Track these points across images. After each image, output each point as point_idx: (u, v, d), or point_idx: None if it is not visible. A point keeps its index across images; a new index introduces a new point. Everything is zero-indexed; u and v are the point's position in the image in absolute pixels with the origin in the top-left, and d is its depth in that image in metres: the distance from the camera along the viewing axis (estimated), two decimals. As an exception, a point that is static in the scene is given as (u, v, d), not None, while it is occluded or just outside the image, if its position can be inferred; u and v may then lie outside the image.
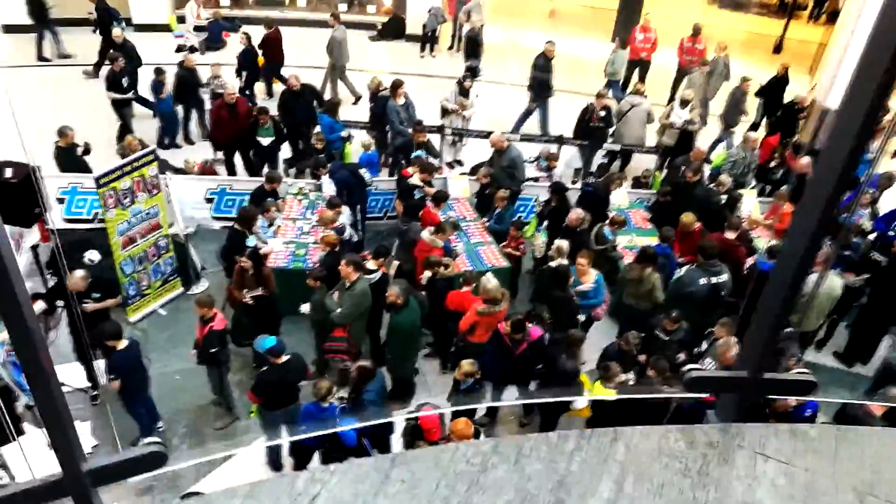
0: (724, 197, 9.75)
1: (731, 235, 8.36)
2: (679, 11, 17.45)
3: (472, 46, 14.28)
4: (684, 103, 11.36)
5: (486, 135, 11.55)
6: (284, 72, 12.37)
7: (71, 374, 7.52)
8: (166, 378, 7.86)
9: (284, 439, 7.04)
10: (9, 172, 6.91)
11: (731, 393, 1.73)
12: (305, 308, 7.68)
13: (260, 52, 12.83)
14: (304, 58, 13.67)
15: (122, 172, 7.95)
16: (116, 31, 12.55)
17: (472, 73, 13.66)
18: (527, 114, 12.91)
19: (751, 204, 10.18)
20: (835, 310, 8.34)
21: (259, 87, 13.16)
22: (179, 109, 11.84)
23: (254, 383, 6.64)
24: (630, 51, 14.27)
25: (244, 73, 12.58)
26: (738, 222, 8.53)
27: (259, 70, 12.94)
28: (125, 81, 11.24)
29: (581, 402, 7.16)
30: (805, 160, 10.37)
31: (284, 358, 6.44)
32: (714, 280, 7.72)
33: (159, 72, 11.29)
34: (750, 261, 8.52)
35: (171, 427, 7.47)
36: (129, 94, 11.43)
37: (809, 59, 17.45)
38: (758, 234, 9.40)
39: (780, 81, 12.95)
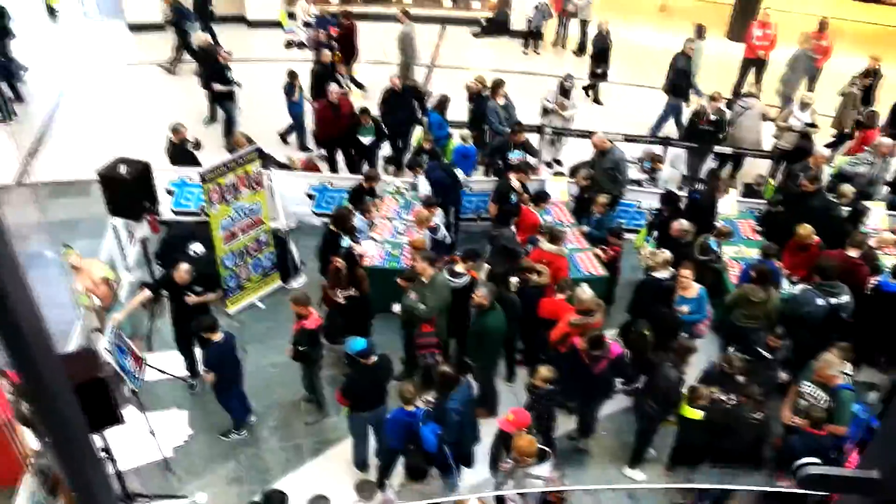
0: (845, 209, 9.00)
1: (853, 253, 7.67)
2: (802, 5, 16.35)
3: (601, 51, 13.63)
4: (804, 106, 10.59)
5: (587, 135, 11.24)
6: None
7: (171, 363, 7.87)
8: (262, 371, 8.10)
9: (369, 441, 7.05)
10: (123, 169, 7.27)
11: (856, 495, 1.48)
12: (397, 308, 7.70)
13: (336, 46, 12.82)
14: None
15: (227, 168, 8.21)
16: (200, 35, 12.74)
17: (600, 77, 13.33)
18: (666, 115, 12.43)
19: (879, 217, 9.33)
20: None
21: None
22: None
23: (343, 385, 6.70)
24: (746, 48, 13.48)
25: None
26: (863, 239, 7.81)
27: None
28: (229, 75, 11.53)
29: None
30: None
31: (373, 359, 6.45)
32: (833, 301, 7.14)
33: (293, 75, 11.43)
34: (873, 280, 7.81)
35: (263, 419, 7.67)
36: (233, 87, 11.67)
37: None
38: (885, 251, 8.60)
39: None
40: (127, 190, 7.31)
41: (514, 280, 7.48)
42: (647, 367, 7.06)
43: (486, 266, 8.17)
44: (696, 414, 6.52)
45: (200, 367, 7.39)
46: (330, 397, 7.61)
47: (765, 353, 6.98)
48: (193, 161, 9.95)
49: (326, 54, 11.93)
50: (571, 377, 6.68)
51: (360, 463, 7.06)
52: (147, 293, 7.52)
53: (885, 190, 10.09)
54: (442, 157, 10.36)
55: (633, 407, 7.21)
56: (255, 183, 8.63)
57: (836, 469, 1.46)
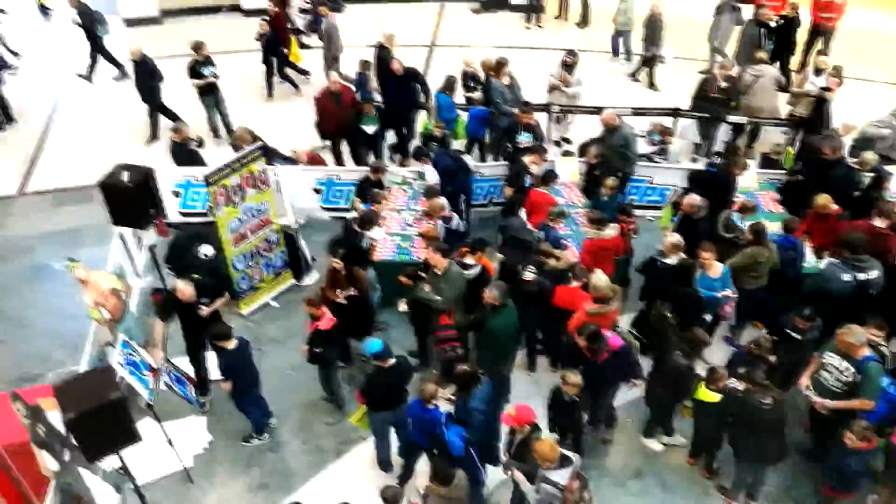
0: (867, 176, 8.72)
1: (880, 223, 7.41)
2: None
3: (653, 30, 12.86)
4: (819, 70, 10.26)
5: (595, 111, 10.96)
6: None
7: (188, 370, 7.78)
8: (280, 372, 7.99)
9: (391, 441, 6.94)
10: (125, 176, 7.10)
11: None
12: (403, 306, 7.56)
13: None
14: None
15: (231, 170, 8.02)
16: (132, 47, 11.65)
17: (653, 61, 13.05)
18: None
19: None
20: None
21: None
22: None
23: (362, 385, 6.60)
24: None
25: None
26: (890, 207, 7.54)
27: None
28: (207, 70, 11.21)
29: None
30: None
31: (391, 362, 6.32)
32: (861, 277, 6.92)
33: (365, 64, 11.14)
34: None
35: (283, 422, 7.57)
36: (211, 79, 11.30)
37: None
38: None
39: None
40: (130, 198, 7.14)
41: (528, 274, 7.26)
42: (660, 351, 6.89)
43: (500, 256, 8.01)
44: (713, 397, 6.39)
45: (214, 375, 7.26)
46: (349, 396, 7.52)
47: (794, 333, 6.78)
48: (198, 160, 9.78)
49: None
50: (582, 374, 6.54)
51: (383, 462, 6.98)
52: (161, 326, 7.41)
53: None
54: (450, 144, 10.14)
55: (645, 393, 7.07)
56: (261, 182, 8.44)
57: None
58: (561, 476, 5.51)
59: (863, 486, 6.17)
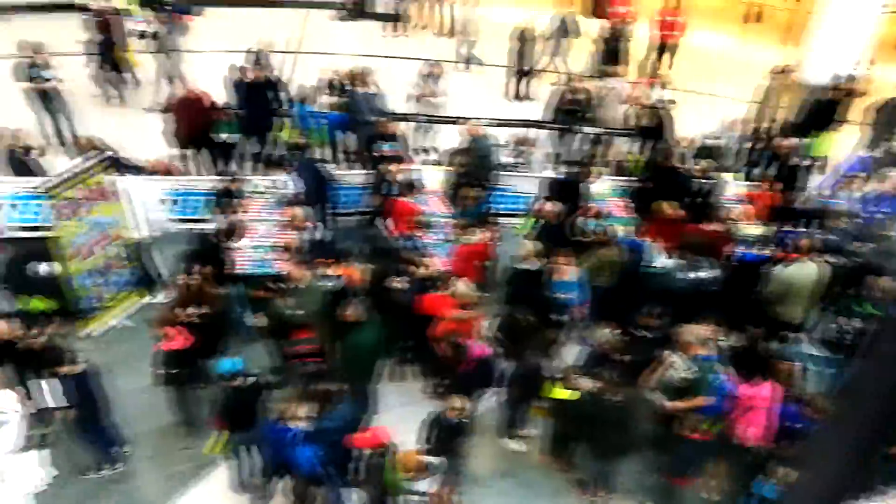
0: (706, 182, 9.45)
1: (714, 227, 8.05)
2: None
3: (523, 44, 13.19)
4: (662, 85, 11.04)
5: (459, 121, 11.17)
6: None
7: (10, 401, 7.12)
8: (132, 395, 7.47)
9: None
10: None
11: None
12: (257, 321, 7.33)
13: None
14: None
15: (74, 181, 7.48)
16: None
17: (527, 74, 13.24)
18: None
19: (735, 188, 9.87)
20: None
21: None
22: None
23: (216, 408, 6.31)
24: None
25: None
26: (723, 214, 8.20)
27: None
28: (46, 73, 10.50)
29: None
30: (787, 142, 10.08)
31: (244, 380, 6.11)
32: (701, 275, 7.46)
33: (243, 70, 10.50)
34: (734, 251, 8.23)
35: (136, 449, 7.13)
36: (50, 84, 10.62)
37: (790, 29, 17.07)
38: (743, 222, 9.08)
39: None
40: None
41: (397, 283, 7.26)
42: (518, 353, 7.09)
43: (367, 267, 7.96)
44: (567, 395, 6.62)
45: (53, 402, 6.67)
46: (206, 418, 7.17)
47: (640, 332, 7.17)
48: (32, 170, 9.02)
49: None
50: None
51: (240, 484, 6.71)
52: None
53: (740, 163, 10.69)
54: (312, 153, 9.97)
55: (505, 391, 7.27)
56: (109, 194, 7.92)
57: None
58: (425, 485, 5.54)
59: (698, 473, 6.59)
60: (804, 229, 8.58)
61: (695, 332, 6.48)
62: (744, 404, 6.55)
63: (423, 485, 5.58)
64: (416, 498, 5.57)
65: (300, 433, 5.91)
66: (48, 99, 10.63)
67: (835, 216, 8.71)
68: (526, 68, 13.41)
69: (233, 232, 7.82)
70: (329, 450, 5.94)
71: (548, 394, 6.76)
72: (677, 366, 6.64)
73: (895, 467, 6.30)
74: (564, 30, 13.42)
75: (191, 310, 7.04)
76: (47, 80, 10.43)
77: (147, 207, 9.25)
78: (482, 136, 9.61)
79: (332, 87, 10.98)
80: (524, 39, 13.03)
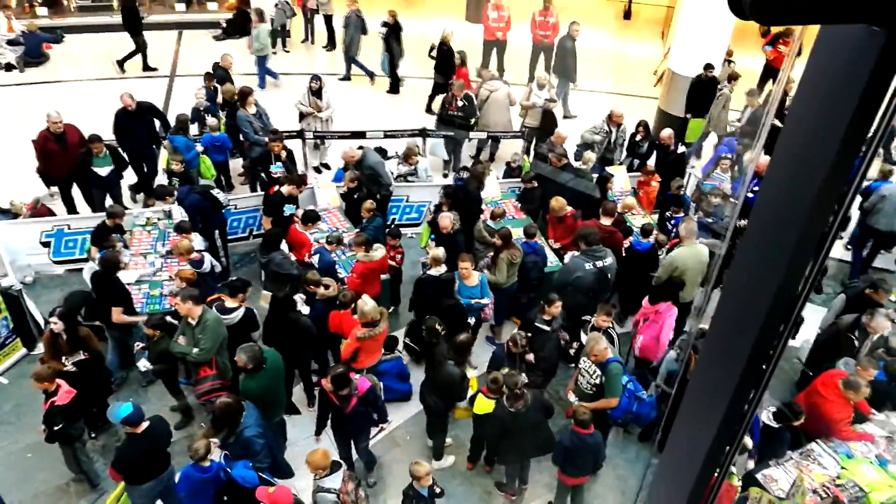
0: (594, 176, 9.74)
1: (606, 221, 8.29)
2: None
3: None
4: (541, 85, 11.29)
5: (350, 135, 11.06)
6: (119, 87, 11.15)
7: None
8: (17, 457, 6.97)
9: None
10: None
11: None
12: (143, 364, 6.96)
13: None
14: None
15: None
16: None
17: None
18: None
19: (622, 180, 10.23)
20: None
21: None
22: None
23: (113, 459, 5.88)
24: (485, 31, 14.09)
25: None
26: (613, 207, 8.47)
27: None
28: None
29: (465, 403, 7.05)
30: (666, 132, 10.56)
31: (144, 425, 5.73)
32: (599, 264, 7.68)
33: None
34: (626, 242, 8.53)
35: (29, 516, 6.57)
36: None
37: (661, 24, 17.99)
38: (631, 213, 9.44)
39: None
40: None
41: (300, 305, 7.08)
42: (431, 361, 7.03)
43: (266, 294, 7.71)
44: (488, 407, 6.62)
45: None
46: (103, 471, 6.71)
47: (543, 326, 7.27)
48: None
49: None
50: (327, 416, 6.52)
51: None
52: None
53: (623, 155, 11.09)
54: (196, 180, 9.57)
55: (420, 401, 7.19)
56: (-33, 242, 7.29)
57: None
58: (334, 481, 5.60)
59: (588, 469, 6.63)
60: (686, 214, 8.98)
61: (600, 341, 6.60)
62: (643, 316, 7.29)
63: (331, 482, 5.58)
64: (325, 494, 5.54)
65: (225, 459, 5.66)
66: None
67: (712, 198, 9.18)
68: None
69: (115, 268, 7.30)
70: (258, 457, 5.80)
71: (471, 406, 6.71)
72: (584, 372, 6.79)
73: (792, 436, 6.71)
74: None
75: (66, 360, 6.56)
76: None
77: (18, 252, 8.59)
78: (363, 158, 9.48)
79: (207, 110, 10.65)
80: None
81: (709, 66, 11.38)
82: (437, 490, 6.04)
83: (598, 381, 6.64)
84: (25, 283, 8.46)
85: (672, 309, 7.41)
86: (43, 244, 8.94)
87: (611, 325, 7.26)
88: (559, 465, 6.43)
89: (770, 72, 14.17)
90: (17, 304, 7.95)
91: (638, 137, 10.94)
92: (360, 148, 9.67)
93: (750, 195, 9.05)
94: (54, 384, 6.06)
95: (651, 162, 10.47)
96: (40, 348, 8.04)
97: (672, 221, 9.05)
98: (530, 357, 7.09)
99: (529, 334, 7.20)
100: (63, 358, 6.59)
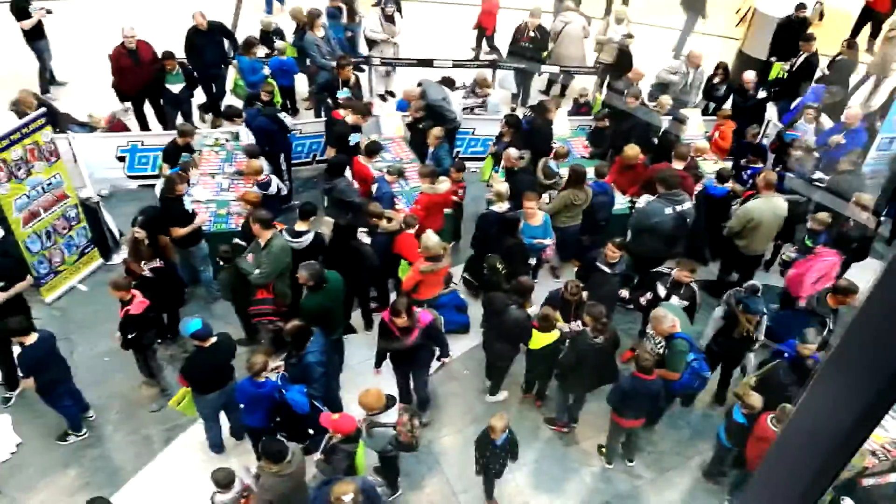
0: (666, 119, 9.39)
1: (678, 165, 8.01)
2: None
3: None
4: (619, 19, 10.82)
5: (417, 63, 10.90)
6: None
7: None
8: (94, 360, 7.39)
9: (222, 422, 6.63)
10: None
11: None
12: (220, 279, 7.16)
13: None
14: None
15: (10, 141, 7.07)
16: None
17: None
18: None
19: (696, 124, 9.85)
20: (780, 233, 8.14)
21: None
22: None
23: (181, 368, 6.18)
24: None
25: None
26: (686, 151, 8.15)
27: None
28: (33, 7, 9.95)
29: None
30: (749, 74, 10.03)
31: (212, 340, 5.97)
32: (679, 209, 7.47)
33: None
34: (698, 187, 8.26)
35: (102, 413, 6.99)
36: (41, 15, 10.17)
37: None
38: (704, 157, 9.10)
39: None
40: None
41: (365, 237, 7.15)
42: (492, 308, 6.99)
43: (328, 220, 7.81)
44: (549, 339, 6.66)
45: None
46: (172, 379, 7.06)
47: (604, 267, 7.19)
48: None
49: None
50: (387, 349, 6.51)
51: (215, 446, 6.65)
52: None
53: (698, 98, 10.63)
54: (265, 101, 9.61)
55: (483, 345, 7.22)
56: (50, 154, 7.54)
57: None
58: (389, 416, 5.71)
59: (643, 413, 6.59)
60: (765, 164, 8.63)
61: (666, 317, 6.39)
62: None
63: (386, 417, 5.71)
64: (381, 429, 5.69)
65: (282, 380, 5.85)
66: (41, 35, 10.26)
67: (794, 150, 8.77)
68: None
69: (182, 186, 7.47)
70: (314, 386, 5.93)
71: (532, 344, 6.73)
72: (653, 338, 6.67)
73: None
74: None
75: (143, 265, 6.84)
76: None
77: (96, 165, 8.86)
78: (424, 95, 9.31)
79: (276, 32, 10.58)
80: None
81: (801, 6, 10.69)
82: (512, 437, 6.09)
83: (660, 352, 6.53)
84: (102, 195, 8.74)
85: (830, 256, 7.37)
86: (118, 159, 9.21)
87: (692, 280, 7.08)
88: (614, 407, 6.46)
89: (868, 15, 13.13)
90: (94, 215, 8.28)
91: (716, 80, 10.44)
92: (420, 84, 9.50)
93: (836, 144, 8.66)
94: (130, 294, 6.34)
95: (727, 107, 10.01)
96: (116, 259, 8.45)
97: (748, 172, 8.69)
98: (584, 300, 7.02)
99: (585, 277, 7.16)
100: (143, 263, 6.87)
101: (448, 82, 9.87)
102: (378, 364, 6.74)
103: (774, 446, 1.17)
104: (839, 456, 1.03)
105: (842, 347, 0.96)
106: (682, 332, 6.48)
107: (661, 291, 7.09)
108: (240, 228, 7.56)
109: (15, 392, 6.92)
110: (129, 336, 6.40)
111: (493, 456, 6.02)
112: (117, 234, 8.55)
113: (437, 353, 6.78)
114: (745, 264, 8.06)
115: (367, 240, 7.38)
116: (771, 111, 10.68)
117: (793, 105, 10.44)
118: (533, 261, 7.95)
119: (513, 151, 8.19)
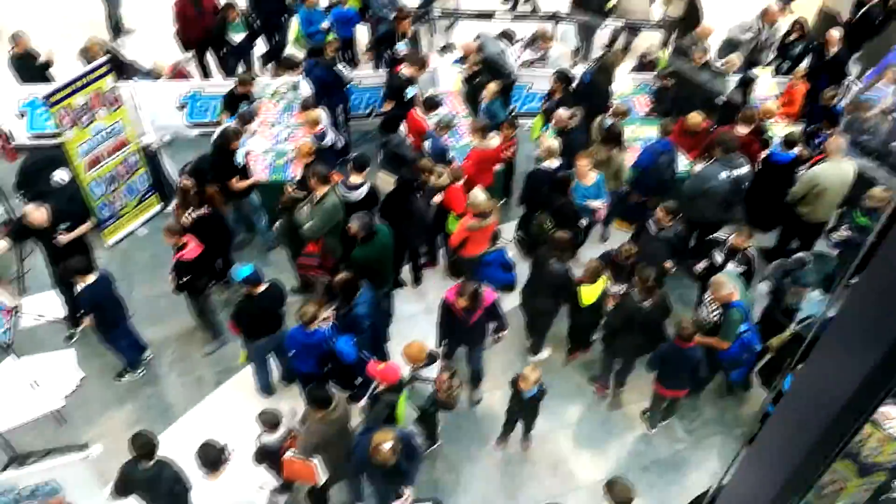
0: (733, 79, 8.94)
1: (743, 129, 7.63)
2: None
3: None
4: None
5: (477, 16, 10.68)
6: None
7: (48, 304, 7.30)
8: (152, 302, 7.66)
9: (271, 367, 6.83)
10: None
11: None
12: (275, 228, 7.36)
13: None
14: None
15: (74, 88, 7.28)
16: None
17: None
18: None
19: (767, 85, 9.34)
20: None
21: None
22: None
23: (232, 313, 6.36)
24: None
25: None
26: (753, 114, 7.74)
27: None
28: None
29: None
30: (834, 32, 9.37)
31: (262, 287, 6.11)
32: (735, 173, 7.19)
33: None
34: (764, 153, 7.87)
35: (159, 354, 7.30)
36: None
37: None
38: (773, 121, 8.64)
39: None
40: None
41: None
42: (535, 262, 6.93)
43: (382, 174, 7.81)
44: (596, 291, 6.55)
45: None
46: (224, 322, 7.27)
47: (652, 227, 7.00)
48: (43, 76, 8.85)
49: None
50: (447, 327, 6.44)
51: (264, 388, 6.87)
52: (2, 244, 6.79)
53: (771, 56, 10.08)
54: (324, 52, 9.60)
55: (520, 305, 7.15)
56: (113, 101, 7.73)
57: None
58: (431, 371, 5.80)
59: (685, 384, 6.50)
60: (836, 128, 8.13)
61: (725, 284, 6.20)
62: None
63: (428, 371, 5.80)
64: (421, 383, 5.81)
65: (332, 329, 5.98)
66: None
67: (868, 112, 8.24)
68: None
69: (240, 135, 7.57)
70: (361, 337, 6.04)
71: (576, 300, 6.66)
72: (709, 305, 6.50)
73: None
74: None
75: (189, 213, 6.97)
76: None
77: (157, 112, 9.07)
78: (481, 50, 9.07)
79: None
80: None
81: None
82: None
83: (716, 319, 6.36)
84: (163, 142, 8.96)
85: None
86: (179, 107, 9.39)
87: (749, 247, 6.83)
88: (653, 373, 6.35)
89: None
90: (155, 162, 8.51)
91: (792, 37, 9.85)
92: (478, 38, 9.29)
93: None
94: (183, 239, 6.52)
95: (803, 66, 9.45)
96: (174, 204, 8.68)
97: (818, 138, 8.21)
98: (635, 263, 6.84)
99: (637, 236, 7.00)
100: (189, 211, 7.00)
101: (507, 36, 9.63)
102: (439, 343, 6.61)
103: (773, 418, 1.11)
104: (837, 430, 0.96)
105: (841, 318, 0.88)
106: (740, 300, 6.29)
107: (718, 259, 6.86)
108: (295, 179, 7.63)
109: (78, 328, 7.24)
110: (183, 280, 6.60)
111: (516, 406, 6.18)
112: (177, 181, 8.77)
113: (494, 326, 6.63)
114: (807, 232, 7.70)
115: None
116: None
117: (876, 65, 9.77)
118: (584, 221, 7.79)
119: (563, 112, 7.97)
